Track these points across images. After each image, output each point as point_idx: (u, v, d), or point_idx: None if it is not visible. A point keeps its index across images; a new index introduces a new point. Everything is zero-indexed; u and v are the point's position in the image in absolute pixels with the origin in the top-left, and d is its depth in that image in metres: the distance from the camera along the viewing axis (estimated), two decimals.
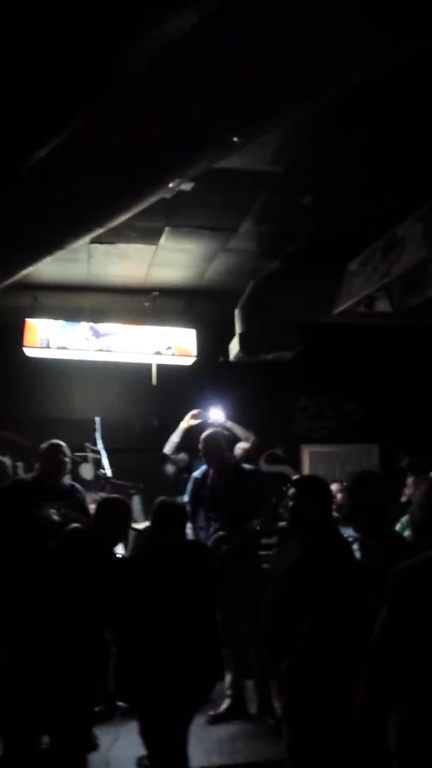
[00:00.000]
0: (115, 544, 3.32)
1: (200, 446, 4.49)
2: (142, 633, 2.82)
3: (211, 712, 4.02)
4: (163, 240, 4.94)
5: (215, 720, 3.97)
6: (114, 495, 3.76)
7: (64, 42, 2.80)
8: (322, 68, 2.42)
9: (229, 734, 3.84)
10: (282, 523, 5.25)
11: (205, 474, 4.51)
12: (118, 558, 3.12)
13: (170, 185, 3.21)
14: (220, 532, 4.21)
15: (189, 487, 4.57)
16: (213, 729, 3.88)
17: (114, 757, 3.48)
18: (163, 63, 2.70)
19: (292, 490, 3.08)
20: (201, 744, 3.65)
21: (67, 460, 4.00)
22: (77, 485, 4.20)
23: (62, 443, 4.04)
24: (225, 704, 4.07)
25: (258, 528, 4.21)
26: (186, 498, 4.59)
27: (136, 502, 7.16)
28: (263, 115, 2.74)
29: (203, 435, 4.62)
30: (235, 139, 2.77)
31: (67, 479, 4.08)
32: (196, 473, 4.59)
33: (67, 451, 4.01)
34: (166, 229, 4.74)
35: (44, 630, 2.79)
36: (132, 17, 2.70)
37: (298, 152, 3.77)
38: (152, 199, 3.39)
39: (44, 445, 3.99)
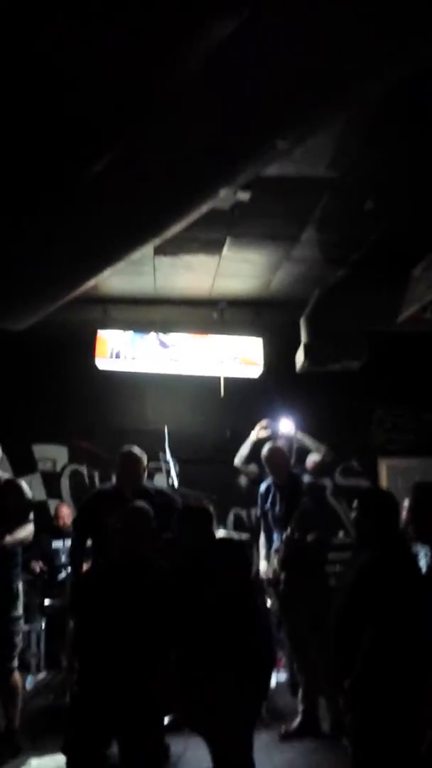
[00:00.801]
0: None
1: (264, 459, 4.44)
2: (178, 644, 2.78)
3: (283, 728, 3.94)
4: (225, 251, 4.95)
5: (286, 737, 3.90)
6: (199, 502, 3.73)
7: (111, 54, 2.85)
8: (366, 62, 2.34)
9: (301, 752, 3.77)
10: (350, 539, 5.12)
11: (268, 488, 4.49)
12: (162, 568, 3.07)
13: (221, 194, 3.20)
14: (277, 545, 4.16)
15: (258, 501, 4.58)
16: (284, 746, 3.81)
17: (184, 766, 3.48)
18: (205, 69, 2.70)
19: (356, 503, 2.99)
20: (271, 761, 3.59)
21: (142, 466, 4.03)
22: (161, 488, 4.22)
23: (137, 449, 4.09)
24: (297, 721, 3.98)
25: (311, 539, 4.08)
26: (258, 512, 4.64)
27: None
28: (307, 117, 2.69)
29: (266, 448, 4.56)
30: (281, 141, 2.73)
31: (149, 484, 4.11)
32: (261, 487, 4.56)
33: (143, 456, 4.04)
34: (228, 239, 4.74)
35: (110, 637, 2.79)
36: (175, 27, 2.72)
37: (356, 156, 3.67)
38: (205, 208, 3.39)
39: (120, 452, 4.05)
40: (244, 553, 3.19)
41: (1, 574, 3.75)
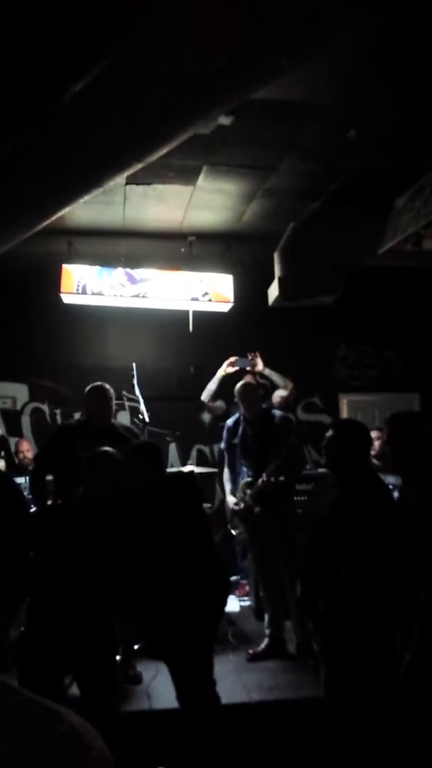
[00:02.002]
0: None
1: (237, 394, 4.44)
2: (133, 580, 2.82)
3: (251, 651, 4.10)
4: (200, 180, 4.79)
5: (254, 658, 4.05)
6: (146, 440, 3.73)
7: None
8: None
9: (269, 672, 3.89)
10: (321, 470, 5.24)
11: (236, 422, 4.49)
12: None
13: (212, 113, 3.06)
14: (248, 479, 4.22)
15: (223, 435, 4.59)
16: (252, 667, 3.95)
17: (154, 690, 3.56)
18: None
19: (329, 433, 3.02)
20: (240, 680, 3.74)
21: (113, 402, 3.98)
22: (129, 427, 4.18)
23: (106, 385, 4.01)
24: (264, 643, 4.14)
25: (274, 467, 4.15)
26: (222, 446, 4.62)
27: (172, 450, 7.24)
28: (313, 35, 2.57)
29: (240, 383, 4.58)
30: (283, 60, 2.61)
31: (118, 422, 4.06)
32: (229, 422, 4.58)
33: (112, 393, 3.98)
34: (204, 168, 4.58)
35: (61, 573, 2.80)
36: None
37: (346, 83, 3.56)
38: (193, 131, 3.25)
39: (89, 388, 3.97)
40: (194, 485, 3.21)
41: None
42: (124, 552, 2.80)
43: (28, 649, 2.79)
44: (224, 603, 3.05)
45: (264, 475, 4.10)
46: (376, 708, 2.45)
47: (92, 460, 3.03)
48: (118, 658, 3.70)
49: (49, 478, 3.97)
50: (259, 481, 4.11)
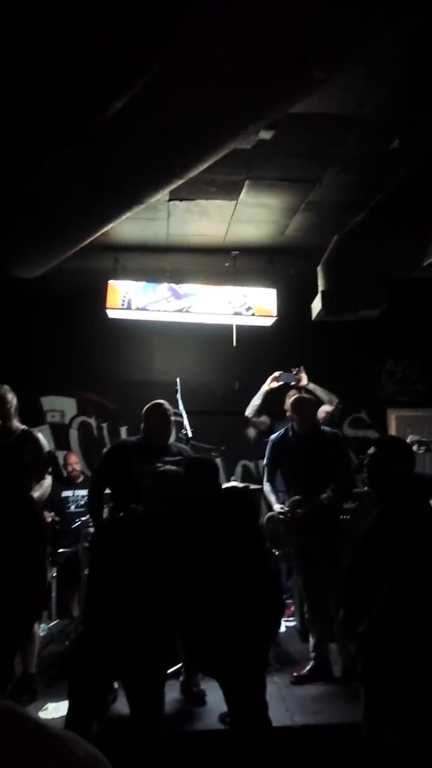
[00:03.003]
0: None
1: (291, 407, 4.36)
2: (187, 596, 2.80)
3: (295, 674, 4.02)
4: (243, 195, 4.80)
5: (298, 681, 3.97)
6: (203, 456, 3.69)
7: None
8: None
9: (312, 695, 3.83)
10: (363, 488, 5.13)
11: (283, 437, 4.41)
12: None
13: (250, 129, 3.07)
14: (297, 497, 4.15)
15: (267, 450, 4.50)
16: (296, 689, 3.89)
17: (199, 711, 3.54)
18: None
19: (371, 450, 2.96)
20: (284, 703, 3.67)
21: (173, 419, 3.97)
22: (185, 447, 4.15)
23: (165, 402, 4.01)
24: (309, 666, 4.06)
25: (332, 493, 4.07)
26: (265, 462, 4.55)
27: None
28: (347, 47, 2.55)
29: (295, 396, 4.50)
30: (317, 74, 2.60)
31: (174, 442, 4.03)
32: (274, 437, 4.51)
33: (171, 410, 3.98)
34: (246, 182, 4.59)
35: (118, 585, 2.80)
36: None
37: (386, 93, 3.51)
38: (233, 146, 3.26)
39: (148, 406, 3.97)
40: (251, 499, 3.18)
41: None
42: (181, 568, 2.79)
43: (81, 658, 2.81)
44: (278, 626, 3.01)
45: (324, 496, 4.03)
46: (412, 749, 2.35)
47: (160, 477, 3.06)
48: (181, 679, 3.71)
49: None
50: (323, 496, 4.04)
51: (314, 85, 2.72)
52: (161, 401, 4.01)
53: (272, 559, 4.43)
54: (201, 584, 2.76)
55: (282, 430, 4.51)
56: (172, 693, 3.55)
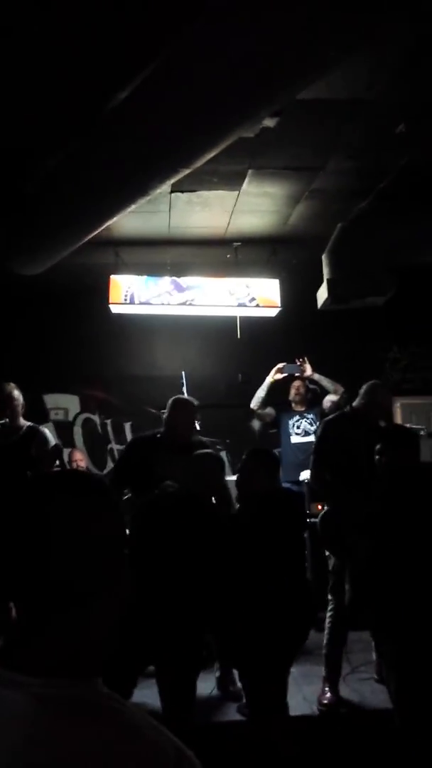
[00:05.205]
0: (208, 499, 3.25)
1: (370, 396, 3.83)
2: (225, 580, 2.77)
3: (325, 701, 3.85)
4: (245, 184, 4.76)
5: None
6: (265, 447, 3.58)
7: None
8: None
9: None
10: None
11: (341, 425, 3.83)
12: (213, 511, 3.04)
13: (261, 114, 3.03)
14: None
15: (321, 434, 3.96)
16: (313, 679, 3.84)
17: (215, 701, 3.53)
18: None
19: (382, 444, 2.94)
20: (301, 692, 3.65)
21: (196, 416, 3.90)
22: (208, 441, 4.04)
23: (190, 398, 3.95)
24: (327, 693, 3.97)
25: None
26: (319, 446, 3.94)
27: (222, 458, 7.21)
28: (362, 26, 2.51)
29: (371, 385, 3.93)
30: (333, 53, 2.56)
31: (196, 436, 3.95)
32: (330, 418, 4.02)
33: (195, 405, 3.89)
34: (249, 171, 4.55)
35: (160, 567, 2.76)
36: None
37: (392, 75, 3.47)
38: (238, 134, 3.22)
39: (172, 401, 3.87)
40: (303, 507, 3.15)
41: None
42: (224, 554, 2.76)
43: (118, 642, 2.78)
44: (307, 633, 2.98)
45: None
46: None
47: (199, 457, 3.06)
48: (217, 674, 3.68)
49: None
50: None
51: (328, 65, 2.67)
52: (185, 396, 3.96)
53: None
54: (241, 575, 2.73)
55: (335, 414, 4.10)
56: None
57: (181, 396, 3.93)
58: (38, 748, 0.71)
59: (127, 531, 3.13)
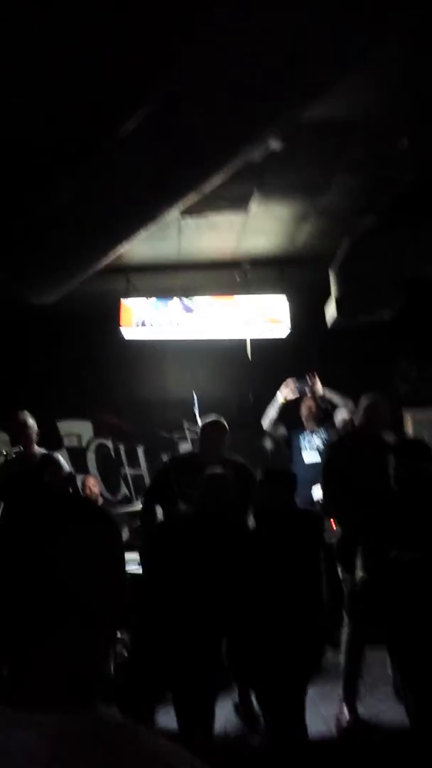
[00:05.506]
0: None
1: (366, 407, 4.00)
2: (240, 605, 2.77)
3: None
4: (253, 207, 4.84)
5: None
6: (284, 467, 3.62)
7: None
8: None
9: None
10: None
11: (344, 444, 4.01)
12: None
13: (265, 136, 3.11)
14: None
15: (328, 456, 4.13)
16: (331, 699, 3.80)
17: (233, 725, 3.52)
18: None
19: (393, 458, 2.96)
20: (318, 712, 3.61)
21: (226, 436, 3.96)
22: (242, 461, 4.04)
23: (218, 420, 4.02)
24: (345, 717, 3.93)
25: None
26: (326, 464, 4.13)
27: None
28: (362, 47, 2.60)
29: (368, 398, 4.10)
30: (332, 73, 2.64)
31: (230, 455, 3.99)
32: (335, 439, 4.22)
33: (224, 425, 3.98)
34: (256, 194, 4.63)
35: (182, 589, 2.77)
36: None
37: (394, 92, 3.56)
38: (246, 156, 3.30)
39: (206, 422, 4.02)
40: (321, 526, 3.16)
41: None
42: (240, 574, 2.76)
43: (134, 668, 2.78)
44: (322, 653, 2.97)
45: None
46: None
47: (210, 477, 3.06)
48: (236, 700, 3.65)
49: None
50: None
51: (328, 85, 2.76)
52: (217, 418, 4.03)
53: None
54: (256, 595, 2.74)
55: (337, 436, 4.23)
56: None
57: (213, 418, 4.00)
58: None
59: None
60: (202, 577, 2.74)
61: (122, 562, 0.90)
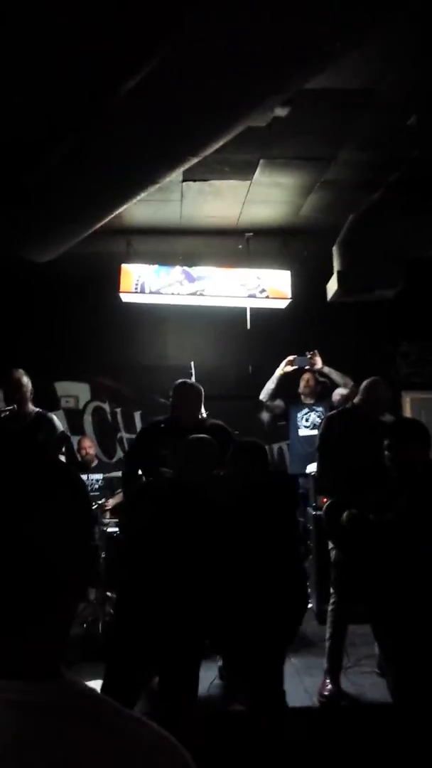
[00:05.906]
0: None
1: (367, 391, 3.89)
2: (217, 571, 2.78)
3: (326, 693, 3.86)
4: (257, 174, 4.75)
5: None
6: (255, 439, 3.56)
7: None
8: None
9: None
10: None
11: (346, 420, 3.87)
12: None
13: (266, 103, 3.02)
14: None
15: (324, 430, 4.00)
16: (314, 671, 3.86)
17: (217, 689, 3.55)
18: None
19: (390, 438, 2.92)
20: (302, 684, 3.68)
21: (201, 398, 3.92)
22: (220, 423, 3.97)
23: (193, 382, 4.01)
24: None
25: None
26: (321, 442, 4.03)
27: None
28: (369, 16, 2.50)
29: (370, 381, 3.98)
30: (338, 44, 2.55)
31: (208, 418, 4.01)
32: (335, 414, 4.07)
33: (201, 389, 3.95)
34: (261, 161, 4.54)
35: (152, 553, 2.78)
36: None
37: (403, 67, 3.45)
38: (247, 123, 3.22)
39: (177, 384, 3.94)
40: (294, 491, 3.15)
41: None
42: (216, 542, 2.77)
43: (118, 638, 2.80)
44: (300, 622, 2.98)
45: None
46: None
47: (193, 443, 3.03)
48: (219, 663, 3.69)
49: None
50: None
51: (333, 56, 2.67)
52: (190, 380, 3.99)
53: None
54: (233, 562, 2.75)
55: (338, 409, 4.16)
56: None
57: (184, 380, 3.96)
58: (27, 754, 0.68)
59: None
60: (180, 543, 2.75)
61: (89, 529, 0.88)
